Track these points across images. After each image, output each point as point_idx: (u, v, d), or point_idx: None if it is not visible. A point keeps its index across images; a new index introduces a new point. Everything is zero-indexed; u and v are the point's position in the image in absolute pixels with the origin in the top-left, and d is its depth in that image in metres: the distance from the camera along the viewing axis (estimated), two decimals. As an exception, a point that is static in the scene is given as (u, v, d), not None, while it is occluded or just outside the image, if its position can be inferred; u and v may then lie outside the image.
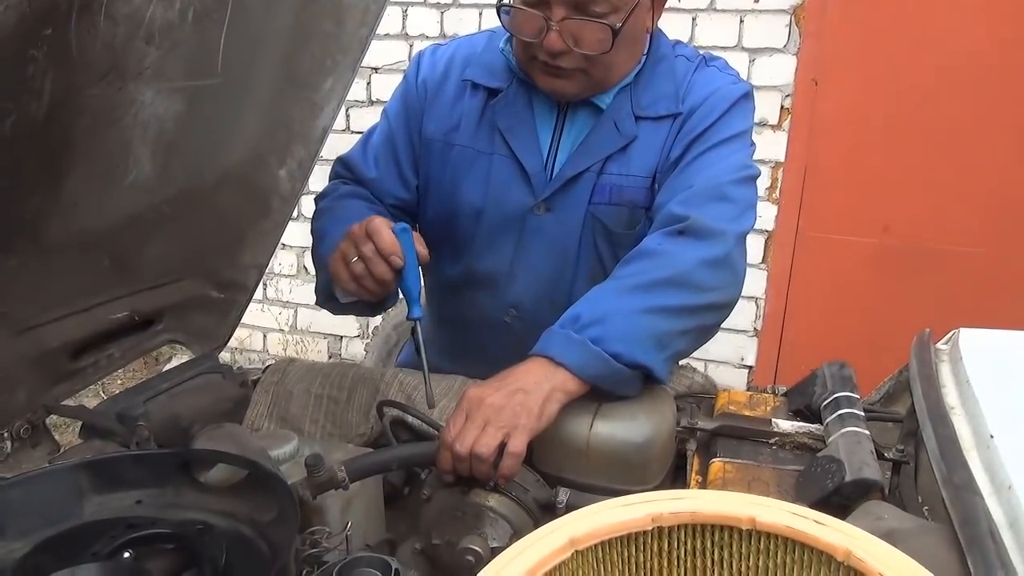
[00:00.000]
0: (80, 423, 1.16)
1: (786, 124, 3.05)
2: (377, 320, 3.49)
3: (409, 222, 1.45)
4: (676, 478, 1.23)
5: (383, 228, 1.19)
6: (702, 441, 1.23)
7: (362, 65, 1.32)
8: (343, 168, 1.52)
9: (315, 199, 1.49)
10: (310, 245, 1.45)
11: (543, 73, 1.31)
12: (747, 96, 1.38)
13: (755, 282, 3.19)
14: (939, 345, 1.26)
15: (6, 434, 1.08)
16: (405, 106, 1.48)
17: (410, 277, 1.20)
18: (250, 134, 1.22)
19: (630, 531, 0.64)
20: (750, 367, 3.34)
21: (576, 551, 0.63)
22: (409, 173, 1.48)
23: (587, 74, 1.30)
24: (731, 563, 0.65)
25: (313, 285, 1.44)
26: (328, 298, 1.37)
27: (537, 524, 1.07)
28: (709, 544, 0.65)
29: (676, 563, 0.66)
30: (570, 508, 1.03)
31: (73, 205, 0.99)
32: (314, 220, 1.44)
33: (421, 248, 1.22)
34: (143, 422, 1.10)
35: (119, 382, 3.21)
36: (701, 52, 1.44)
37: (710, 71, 1.39)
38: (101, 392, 2.96)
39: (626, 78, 1.36)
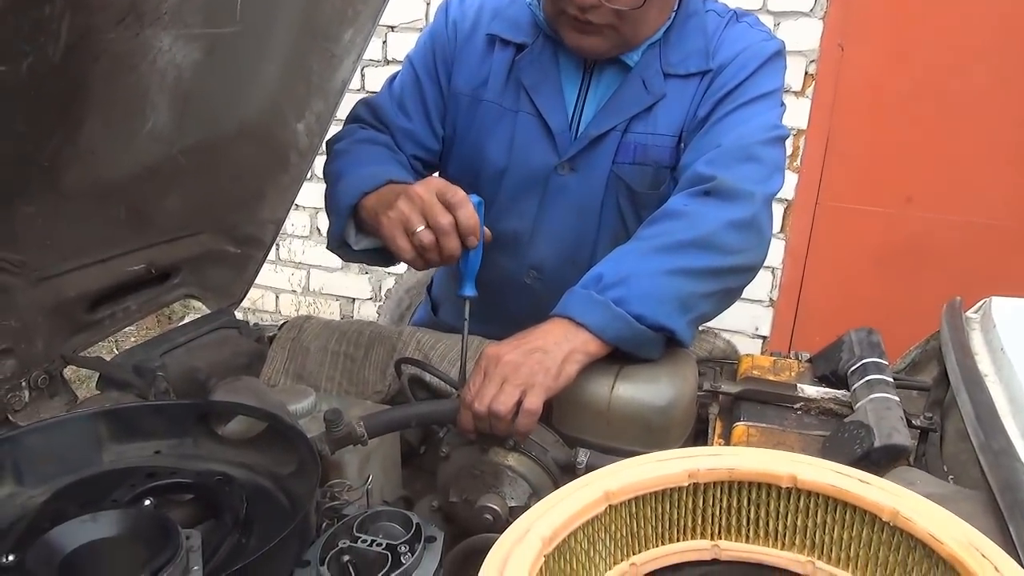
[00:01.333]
0: (97, 376, 1.16)
1: (810, 91, 2.99)
2: (390, 282, 3.48)
3: (426, 175, 1.41)
4: (697, 442, 1.21)
5: (468, 202, 1.10)
6: (725, 405, 1.21)
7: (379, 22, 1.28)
8: (367, 112, 1.45)
9: (327, 142, 1.42)
10: (324, 193, 1.39)
11: (571, 29, 1.27)
12: (779, 54, 1.33)
13: (772, 251, 3.11)
14: (969, 313, 1.23)
15: (24, 383, 1.08)
16: (434, 52, 1.43)
17: (476, 256, 1.13)
18: (268, 85, 1.19)
19: (665, 486, 0.63)
20: (764, 337, 3.31)
21: (610, 505, 0.62)
22: (437, 123, 1.44)
23: (616, 31, 1.25)
24: (767, 522, 0.64)
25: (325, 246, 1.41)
26: (340, 244, 1.32)
27: (556, 485, 1.06)
28: (745, 502, 0.64)
29: (711, 520, 0.64)
30: (590, 469, 1.01)
31: (91, 152, 0.97)
32: (329, 162, 1.38)
33: (487, 228, 1.15)
34: (161, 374, 1.10)
35: (132, 340, 3.22)
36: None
37: (741, 27, 1.35)
38: (115, 348, 2.97)
39: (655, 34, 1.32)
